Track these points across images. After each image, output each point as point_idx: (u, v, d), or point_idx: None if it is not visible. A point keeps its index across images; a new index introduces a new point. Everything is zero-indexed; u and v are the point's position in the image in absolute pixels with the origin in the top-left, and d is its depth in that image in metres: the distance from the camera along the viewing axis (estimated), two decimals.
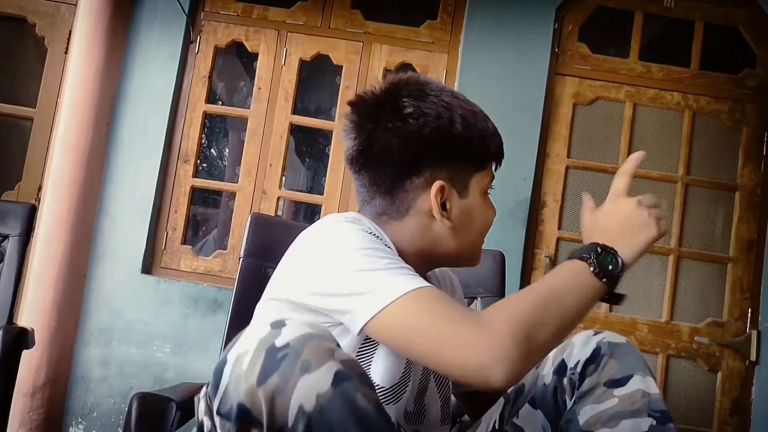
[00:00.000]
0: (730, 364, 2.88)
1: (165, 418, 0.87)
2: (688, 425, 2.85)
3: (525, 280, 2.89)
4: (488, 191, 1.12)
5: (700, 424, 2.86)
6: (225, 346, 1.37)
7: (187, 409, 1.08)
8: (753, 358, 2.84)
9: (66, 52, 3.05)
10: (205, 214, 5.23)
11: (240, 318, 1.36)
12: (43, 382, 2.75)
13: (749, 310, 2.89)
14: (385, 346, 0.99)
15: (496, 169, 1.13)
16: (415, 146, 1.05)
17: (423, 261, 1.10)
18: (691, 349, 2.88)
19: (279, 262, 1.36)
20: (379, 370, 1.00)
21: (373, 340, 0.99)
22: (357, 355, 0.99)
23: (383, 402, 0.99)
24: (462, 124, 1.05)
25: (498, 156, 1.11)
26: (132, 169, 2.97)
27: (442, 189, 1.06)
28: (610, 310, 2.91)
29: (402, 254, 1.03)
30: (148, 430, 0.84)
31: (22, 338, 1.75)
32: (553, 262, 2.92)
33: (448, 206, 1.08)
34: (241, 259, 1.38)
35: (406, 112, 1.04)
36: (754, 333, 2.85)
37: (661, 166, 2.98)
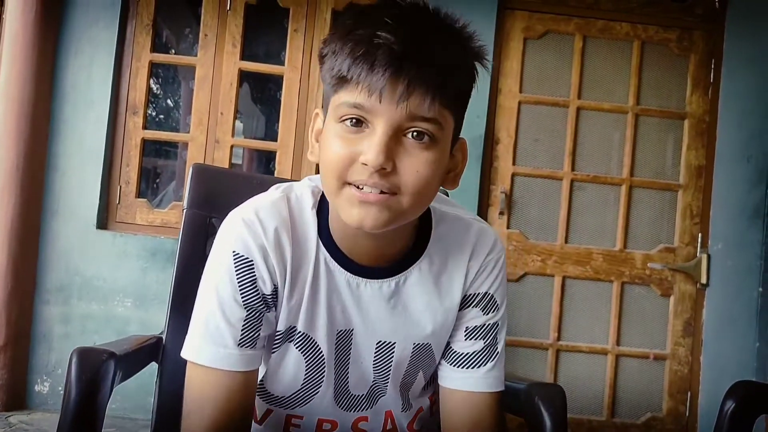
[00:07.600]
0: (681, 287, 2.97)
1: (105, 373, 0.88)
2: (643, 348, 2.96)
3: (482, 215, 2.91)
4: (346, 120, 0.80)
5: (654, 346, 2.96)
6: (172, 301, 1.37)
7: (132, 362, 1.09)
8: (703, 280, 2.93)
9: (2, 4, 2.93)
10: (163, 167, 5.15)
11: (186, 271, 1.35)
12: (4, 342, 2.74)
13: (699, 234, 2.97)
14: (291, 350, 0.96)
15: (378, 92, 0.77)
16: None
17: None
18: (645, 275, 2.97)
19: (222, 212, 1.35)
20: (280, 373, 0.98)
21: (278, 342, 0.95)
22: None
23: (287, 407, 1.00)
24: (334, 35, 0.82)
25: (354, 68, 0.77)
26: (79, 123, 2.90)
27: (316, 116, 0.92)
28: (566, 242, 2.96)
29: None
30: (88, 386, 0.84)
31: None
32: (509, 198, 2.95)
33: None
34: (184, 211, 1.37)
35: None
36: (704, 256, 2.93)
37: (612, 98, 3.00)
